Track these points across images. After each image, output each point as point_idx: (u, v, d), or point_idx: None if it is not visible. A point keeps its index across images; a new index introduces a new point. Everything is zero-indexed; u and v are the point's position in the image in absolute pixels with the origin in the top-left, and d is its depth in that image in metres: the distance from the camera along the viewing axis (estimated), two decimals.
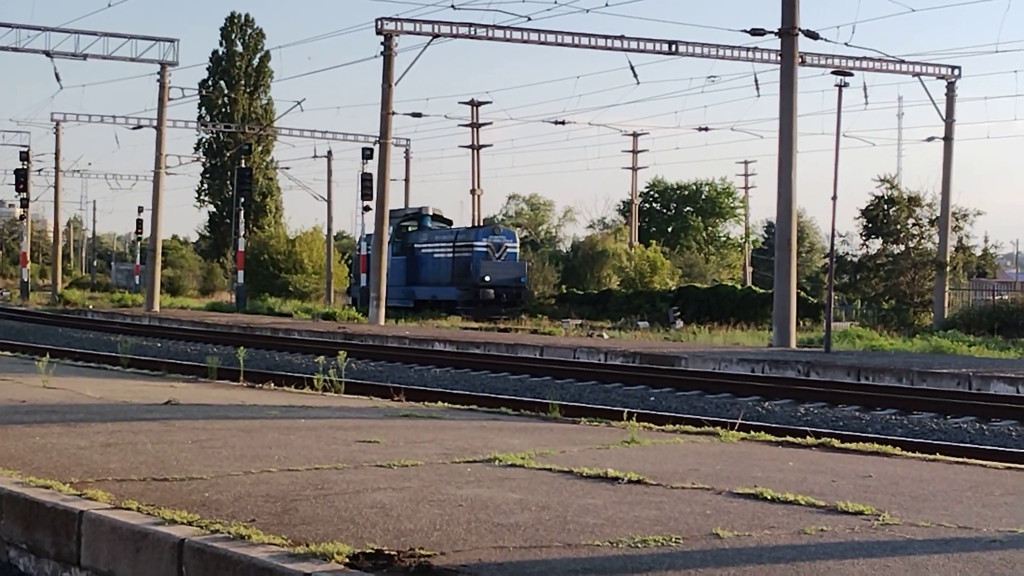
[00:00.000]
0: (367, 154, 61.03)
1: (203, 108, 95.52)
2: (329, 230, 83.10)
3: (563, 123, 62.13)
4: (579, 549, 6.61)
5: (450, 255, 57.48)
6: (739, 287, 61.23)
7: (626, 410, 14.32)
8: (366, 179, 59.03)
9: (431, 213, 62.76)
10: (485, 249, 56.32)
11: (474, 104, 77.80)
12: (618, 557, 6.43)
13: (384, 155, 48.02)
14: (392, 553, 6.27)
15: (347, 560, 6.13)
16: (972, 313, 44.49)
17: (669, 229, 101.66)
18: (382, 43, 45.90)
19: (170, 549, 6.61)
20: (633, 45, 43.71)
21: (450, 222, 64.76)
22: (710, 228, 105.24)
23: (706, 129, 62.79)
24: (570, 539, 6.84)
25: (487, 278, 55.17)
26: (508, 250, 57.23)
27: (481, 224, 69.28)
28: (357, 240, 66.76)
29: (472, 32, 43.76)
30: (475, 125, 77.97)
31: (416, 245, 59.61)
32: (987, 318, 41.94)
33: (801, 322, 41.49)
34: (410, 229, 60.77)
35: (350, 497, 7.98)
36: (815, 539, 7.03)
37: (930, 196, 49.04)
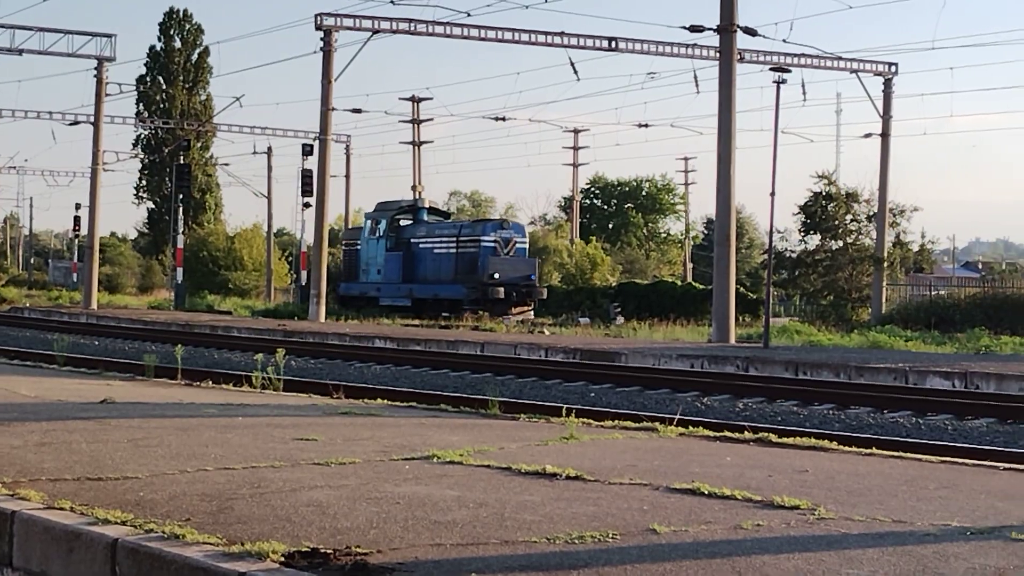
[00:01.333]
0: (307, 150, 60.52)
1: (141, 104, 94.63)
2: (269, 227, 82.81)
3: (504, 119, 62.23)
4: (516, 546, 6.61)
5: (453, 251, 52.97)
6: (679, 283, 61.44)
7: (565, 406, 14.34)
8: (306, 175, 58.56)
9: (427, 206, 59.49)
10: (493, 244, 51.96)
11: (415, 100, 77.67)
12: (555, 554, 6.43)
13: (324, 151, 47.83)
14: (328, 552, 6.23)
15: (282, 559, 6.09)
16: (909, 308, 44.88)
17: (610, 225, 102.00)
18: (322, 39, 45.71)
19: (103, 549, 6.54)
20: (573, 41, 43.82)
21: (448, 215, 61.96)
22: (651, 224, 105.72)
23: (646, 125, 63.05)
24: (507, 536, 6.83)
25: (496, 275, 50.77)
26: (517, 245, 53.22)
27: (488, 218, 65.40)
28: (341, 234, 64.92)
29: (412, 28, 43.68)
30: (416, 121, 77.83)
31: (413, 240, 55.19)
32: (924, 313, 42.32)
33: (740, 318, 41.70)
34: (404, 223, 56.53)
35: (287, 495, 7.93)
36: (751, 534, 7.06)
37: (868, 192, 49.48)
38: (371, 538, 6.66)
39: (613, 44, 43.76)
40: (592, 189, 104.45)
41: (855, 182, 68.41)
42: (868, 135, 49.61)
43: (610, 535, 6.88)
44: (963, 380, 22.88)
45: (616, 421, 13.69)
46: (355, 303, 55.98)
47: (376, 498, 7.92)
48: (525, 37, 44.11)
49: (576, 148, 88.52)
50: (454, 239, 53.35)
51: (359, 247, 57.39)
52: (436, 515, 7.36)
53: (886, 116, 48.26)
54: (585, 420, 13.42)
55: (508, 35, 44.03)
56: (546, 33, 43.74)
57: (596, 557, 6.35)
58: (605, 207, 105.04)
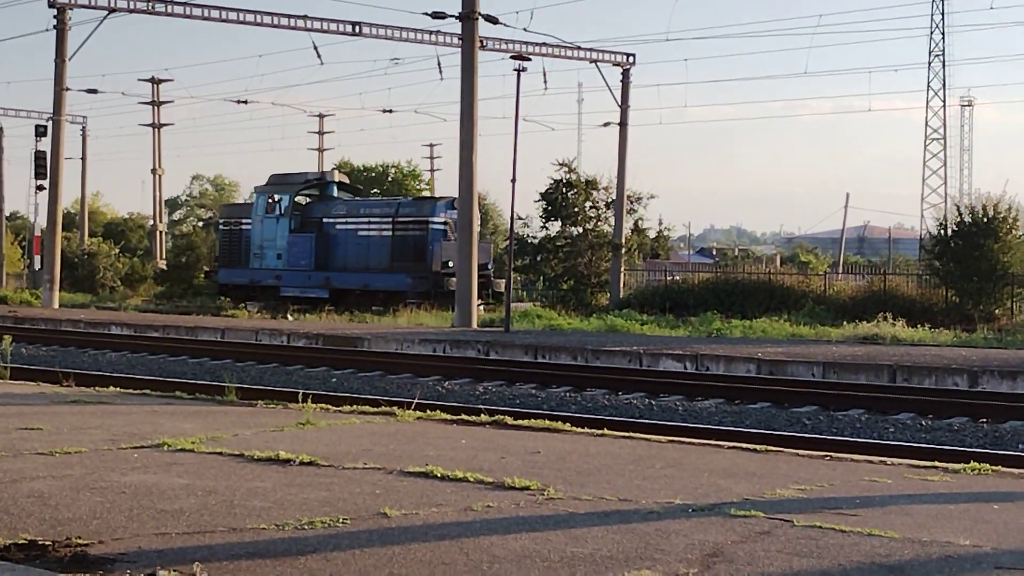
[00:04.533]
0: (41, 131, 58.53)
1: None
2: (0, 210, 79.60)
3: (246, 102, 61.13)
4: (244, 533, 6.53)
5: (388, 233, 44.93)
6: None
7: (302, 391, 14.23)
8: (39, 158, 56.45)
9: (336, 180, 50.43)
10: (443, 227, 44.11)
11: (155, 81, 75.83)
12: (283, 540, 6.38)
13: (58, 133, 46.34)
14: (47, 543, 6.05)
15: None
16: (646, 293, 45.99)
17: None
18: (55, 16, 44.23)
19: None
20: (317, 25, 43.44)
21: (358, 190, 53.53)
22: None
23: (391, 111, 62.94)
24: (236, 523, 6.75)
25: (451, 263, 42.20)
26: None
27: (435, 196, 52.52)
28: (218, 211, 55.75)
29: (151, 7, 42.61)
30: (156, 103, 76.00)
31: (327, 220, 46.75)
32: (660, 298, 43.45)
33: (486, 302, 42.06)
34: (310, 200, 48.55)
35: (6, 487, 7.66)
36: (481, 515, 7.14)
37: (606, 180, 50.45)
38: (93, 528, 6.49)
39: (357, 29, 43.55)
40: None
41: (595, 170, 69.79)
42: (607, 124, 50.62)
43: (341, 520, 6.87)
44: (694, 362, 23.60)
45: (355, 406, 13.67)
46: (242, 292, 48.80)
47: (101, 488, 7.71)
48: (268, 20, 43.53)
49: (321, 133, 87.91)
50: (389, 220, 45.36)
51: (247, 227, 48.73)
52: (163, 504, 7.22)
53: (624, 106, 49.33)
54: (323, 406, 13.34)
55: (250, 17, 43.37)
56: (289, 16, 43.29)
57: (325, 542, 6.33)
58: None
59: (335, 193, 48.76)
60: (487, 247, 46.54)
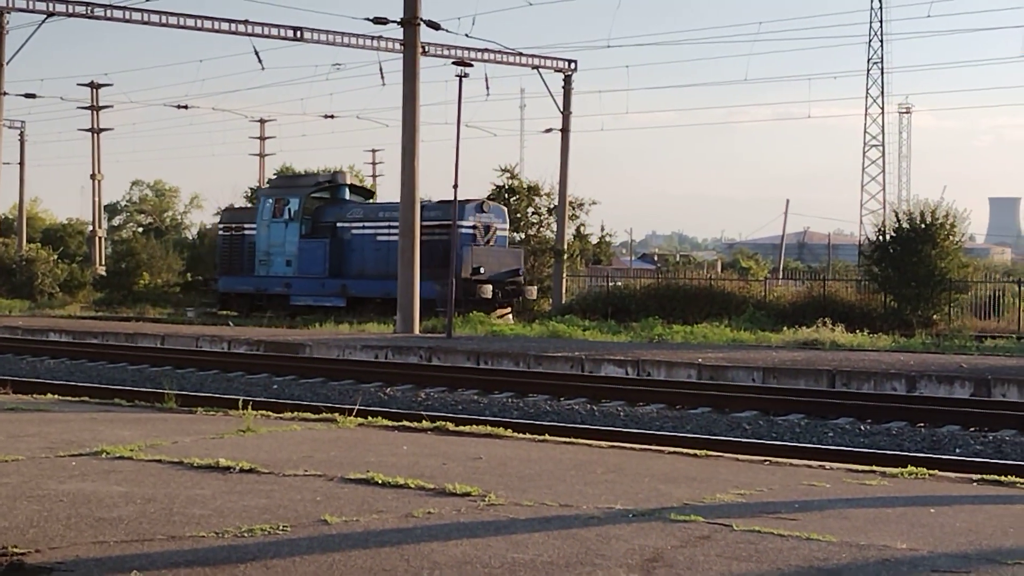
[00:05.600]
0: None
1: None
2: None
3: (187, 107, 60.79)
4: (183, 541, 6.49)
5: None
6: None
7: (242, 398, 14.15)
8: None
9: (348, 183, 47.65)
10: (472, 231, 41.76)
11: (94, 86, 75.11)
12: (223, 547, 6.35)
13: None
14: None
15: None
16: (588, 299, 46.11)
17: None
18: None
19: None
20: (258, 30, 43.13)
21: (372, 193, 50.19)
22: None
23: (332, 116, 62.79)
24: (175, 531, 6.70)
25: (482, 269, 40.65)
26: (498, 233, 43.24)
27: (465, 198, 46.13)
28: (219, 215, 51.78)
29: (90, 11, 42.17)
30: (95, 108, 75.29)
31: (342, 224, 43.92)
32: (602, 303, 43.57)
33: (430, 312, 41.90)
34: (323, 203, 45.61)
35: None
36: (422, 522, 7.14)
37: (549, 186, 50.58)
38: (30, 537, 6.43)
39: (299, 34, 43.32)
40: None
41: (538, 176, 69.85)
42: (549, 130, 50.67)
43: (281, 527, 6.84)
44: (636, 368, 23.68)
45: (296, 413, 13.61)
46: (246, 302, 46.06)
47: (39, 496, 7.64)
48: (208, 24, 43.18)
49: (263, 138, 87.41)
50: None
51: (250, 232, 46.03)
52: (101, 512, 7.16)
53: (566, 112, 49.41)
54: (264, 412, 13.28)
55: (190, 22, 43.00)
56: (230, 21, 42.95)
57: (265, 550, 6.30)
58: None
59: (347, 196, 46.27)
60: (519, 253, 44.57)
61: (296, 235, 44.20)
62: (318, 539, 6.61)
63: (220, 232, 49.52)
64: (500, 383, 21.37)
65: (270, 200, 45.74)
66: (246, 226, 46.62)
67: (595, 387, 20.60)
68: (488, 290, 40.09)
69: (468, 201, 42.42)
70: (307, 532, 6.77)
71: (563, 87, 49.46)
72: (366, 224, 43.39)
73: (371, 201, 47.99)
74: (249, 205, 52.55)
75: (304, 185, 45.83)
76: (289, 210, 44.50)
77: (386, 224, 42.18)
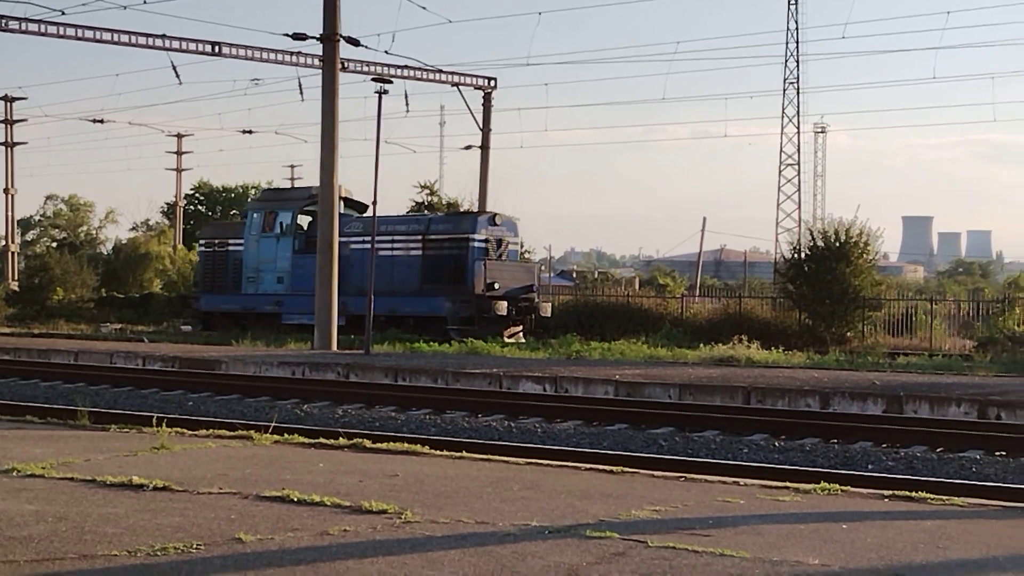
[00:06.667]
0: None
1: None
2: None
3: (103, 121, 60.27)
4: (95, 560, 6.42)
5: (417, 252, 40.33)
6: None
7: (156, 415, 14.02)
8: None
9: (343, 196, 42.60)
10: (484, 245, 39.57)
11: (8, 99, 74.20)
12: (135, 566, 6.29)
13: None
14: None
15: None
16: None
17: None
18: None
19: None
20: (175, 44, 42.85)
21: (365, 206, 45.17)
22: None
23: (250, 132, 62.38)
24: (86, 550, 6.63)
25: (496, 285, 38.75)
26: (510, 247, 41.09)
27: (473, 210, 45.34)
28: (200, 232, 49.56)
29: (3, 24, 41.69)
30: (9, 121, 74.38)
31: (339, 239, 39.31)
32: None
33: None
34: (313, 217, 42.08)
35: None
36: (337, 539, 7.11)
37: (468, 202, 50.67)
38: None
39: (217, 48, 43.09)
40: (196, 195, 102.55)
41: (457, 192, 70.02)
42: (469, 147, 50.82)
43: (195, 545, 6.79)
44: (554, 384, 23.74)
45: (211, 430, 13.52)
46: (231, 321, 43.64)
47: None
48: (125, 38, 42.81)
49: (180, 153, 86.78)
50: (418, 237, 40.59)
51: (236, 248, 43.95)
52: (11, 531, 7.06)
53: (486, 129, 49.57)
54: (179, 430, 13.17)
55: (107, 36, 42.62)
56: (147, 35, 42.61)
57: (178, 569, 6.25)
58: (210, 213, 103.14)
59: (341, 209, 42.01)
60: (532, 268, 43.57)
61: (289, 250, 42.26)
62: (232, 557, 6.56)
63: (201, 248, 47.60)
64: (418, 400, 21.33)
65: (259, 215, 43.73)
66: (231, 241, 44.58)
67: (513, 404, 20.63)
68: (503, 307, 38.66)
69: (480, 213, 41.33)
70: (221, 550, 6.73)
71: (483, 104, 49.63)
72: (364, 238, 40.21)
73: (368, 215, 45.40)
74: (234, 221, 50.45)
75: (296, 198, 43.70)
76: (281, 224, 42.53)
77: (389, 238, 40.73)
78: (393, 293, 39.39)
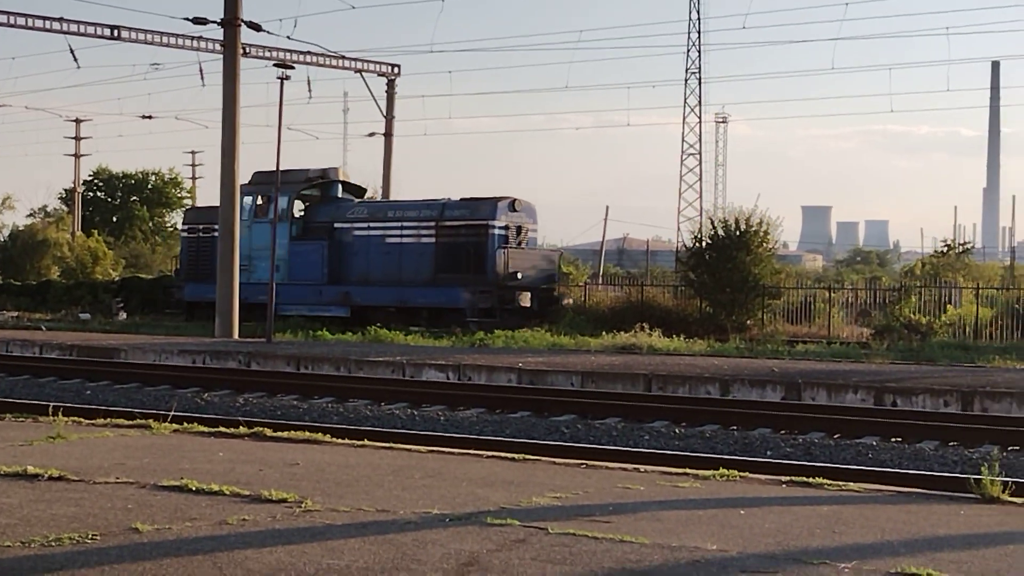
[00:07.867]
0: None
1: None
2: None
3: None
4: None
5: (430, 240, 38.17)
6: None
7: (51, 404, 13.81)
8: None
9: (340, 179, 42.21)
10: (505, 232, 37.62)
11: None
12: (29, 557, 6.20)
13: None
14: None
15: None
16: None
17: (114, 219, 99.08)
18: None
19: None
20: (73, 28, 42.20)
21: (364, 191, 44.60)
22: (157, 218, 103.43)
23: (150, 117, 61.57)
24: None
25: (519, 274, 37.15)
26: (530, 234, 39.29)
27: (491, 196, 40.13)
28: (182, 216, 46.10)
29: None
30: None
31: (341, 225, 39.85)
32: None
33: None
34: (314, 201, 41.41)
35: None
36: (236, 529, 7.06)
37: (372, 189, 50.49)
38: None
39: (116, 32, 42.49)
40: (95, 181, 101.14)
41: (361, 180, 69.51)
42: (372, 134, 50.70)
43: (90, 536, 6.70)
44: (457, 372, 23.74)
45: (109, 419, 13.35)
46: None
47: None
48: (21, 21, 42.07)
49: (78, 138, 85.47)
50: (431, 224, 38.37)
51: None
52: None
53: (389, 116, 49.46)
54: (76, 419, 13.00)
55: (2, 18, 41.91)
56: (44, 18, 41.92)
57: (73, 559, 6.17)
58: (109, 200, 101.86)
59: (339, 193, 41.78)
60: (553, 256, 42.15)
61: (285, 237, 39.60)
62: (128, 548, 6.49)
63: (184, 234, 45.02)
64: (320, 388, 21.24)
65: (251, 198, 40.84)
66: (216, 228, 39.28)
67: (416, 392, 20.62)
68: (527, 297, 37.50)
69: (500, 199, 38.78)
70: (117, 541, 6.64)
71: (387, 91, 49.53)
72: (372, 224, 39.31)
73: (373, 199, 44.60)
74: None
75: (292, 181, 40.19)
76: (276, 209, 37.63)
77: (397, 224, 38.95)
78: (401, 283, 37.84)
